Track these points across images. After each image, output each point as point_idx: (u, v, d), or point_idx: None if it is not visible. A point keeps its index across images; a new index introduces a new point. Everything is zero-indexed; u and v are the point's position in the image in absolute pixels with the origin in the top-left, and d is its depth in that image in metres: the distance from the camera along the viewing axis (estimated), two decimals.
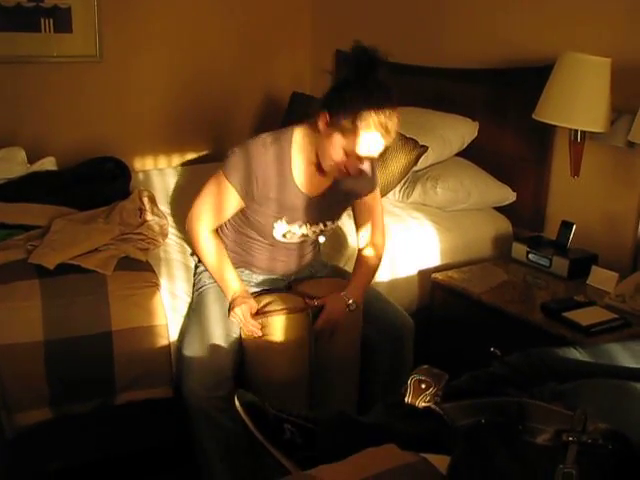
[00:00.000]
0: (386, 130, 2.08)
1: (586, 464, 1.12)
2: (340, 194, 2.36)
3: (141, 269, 2.43)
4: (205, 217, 2.32)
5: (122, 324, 2.30)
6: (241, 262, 2.40)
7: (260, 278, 2.43)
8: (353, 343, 2.38)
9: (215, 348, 2.20)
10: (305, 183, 2.28)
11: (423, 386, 1.26)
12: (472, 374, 1.58)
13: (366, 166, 2.29)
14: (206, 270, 2.40)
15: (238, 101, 4.31)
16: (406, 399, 1.26)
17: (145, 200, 2.79)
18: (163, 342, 2.34)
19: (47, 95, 3.76)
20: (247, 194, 2.24)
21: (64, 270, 2.33)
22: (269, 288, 2.41)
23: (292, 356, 2.26)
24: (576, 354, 1.73)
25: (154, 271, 2.45)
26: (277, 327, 2.23)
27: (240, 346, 2.27)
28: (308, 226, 2.34)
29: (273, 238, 2.33)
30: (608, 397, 1.44)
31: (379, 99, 2.08)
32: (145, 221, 2.66)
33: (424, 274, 2.95)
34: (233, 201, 2.27)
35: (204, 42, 4.12)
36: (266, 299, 2.31)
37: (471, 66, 3.42)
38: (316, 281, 2.47)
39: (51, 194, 2.90)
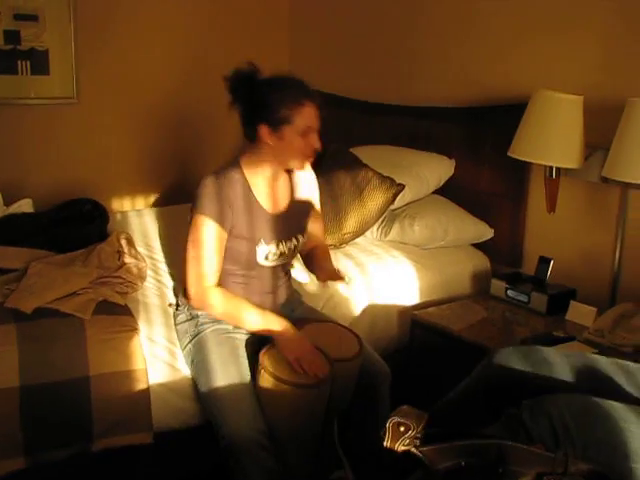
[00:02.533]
0: (309, 91, 2.29)
1: None
2: (300, 206, 2.49)
3: (120, 313, 2.41)
4: (203, 273, 2.27)
5: (100, 369, 2.26)
6: None
7: None
8: (349, 390, 2.35)
9: (241, 388, 2.20)
10: (268, 203, 2.38)
11: (402, 429, 1.24)
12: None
13: (309, 176, 2.51)
14: (195, 317, 2.38)
15: (215, 141, 4.32)
16: (385, 443, 1.24)
17: (123, 242, 2.77)
18: (142, 387, 2.30)
19: (24, 137, 3.76)
20: (225, 223, 2.28)
21: (41, 314, 2.31)
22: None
23: (308, 417, 2.22)
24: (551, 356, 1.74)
25: (133, 315, 2.42)
26: (296, 397, 2.17)
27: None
28: (283, 243, 2.40)
29: (257, 263, 2.35)
30: (572, 413, 1.45)
31: (283, 78, 2.32)
32: (124, 264, 2.64)
33: (403, 312, 2.95)
34: (216, 235, 2.27)
35: (181, 82, 4.14)
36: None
37: (446, 104, 3.45)
38: (316, 327, 2.41)
39: (28, 236, 2.87)
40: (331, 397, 2.24)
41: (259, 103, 2.28)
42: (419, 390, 2.73)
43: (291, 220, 2.43)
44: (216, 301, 2.28)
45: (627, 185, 2.66)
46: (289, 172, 2.45)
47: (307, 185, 2.53)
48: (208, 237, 2.27)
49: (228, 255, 2.33)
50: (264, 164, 2.35)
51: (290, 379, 2.14)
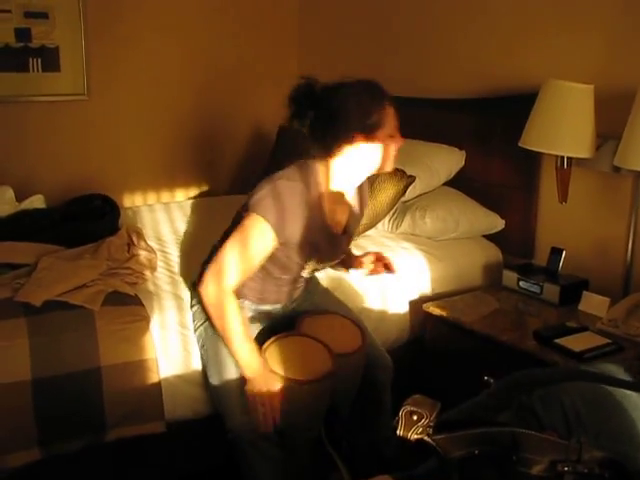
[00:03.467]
0: (387, 91, 2.21)
1: None
2: (352, 225, 2.39)
3: (129, 303, 2.42)
4: (232, 272, 2.13)
5: (111, 359, 2.27)
6: None
7: (250, 307, 2.38)
8: (354, 384, 2.36)
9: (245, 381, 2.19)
10: (333, 221, 2.28)
11: (415, 417, 1.23)
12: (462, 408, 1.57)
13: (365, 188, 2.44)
14: None
15: (226, 135, 4.33)
16: (397, 432, 1.24)
17: (133, 236, 2.78)
18: (153, 376, 2.31)
19: (36, 133, 3.77)
20: (282, 233, 2.12)
21: (51, 307, 2.31)
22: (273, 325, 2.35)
23: (310, 412, 2.22)
24: None
25: (143, 305, 2.43)
26: (296, 392, 2.16)
27: None
28: (327, 263, 2.38)
29: (298, 274, 2.31)
30: (584, 401, 1.45)
31: (360, 82, 2.18)
32: (133, 255, 2.65)
33: (415, 304, 2.94)
34: (267, 242, 2.12)
35: (191, 78, 4.14)
36: (289, 351, 2.21)
37: (457, 96, 3.44)
38: (318, 320, 2.37)
39: (40, 232, 2.89)
40: (335, 392, 2.23)
41: (342, 113, 2.13)
42: (431, 381, 2.74)
43: (345, 239, 2.37)
44: (229, 307, 2.13)
45: (639, 174, 2.65)
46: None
47: (364, 199, 2.46)
48: (258, 241, 2.12)
49: (275, 260, 2.22)
50: (343, 179, 2.22)
51: (289, 375, 2.13)
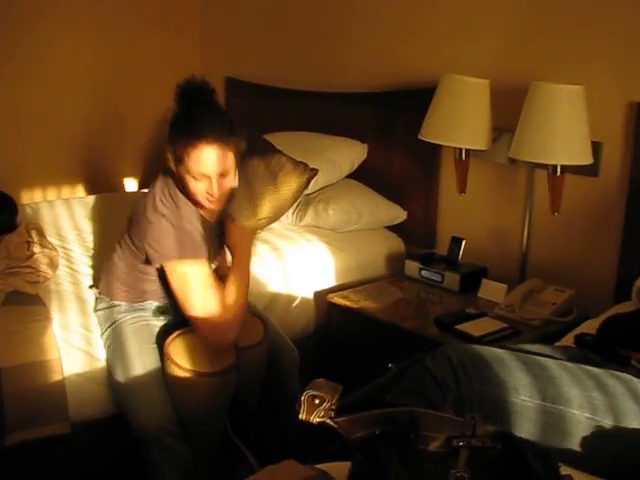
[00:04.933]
0: (211, 140, 2.07)
1: (477, 467, 1.15)
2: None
3: (31, 303, 2.36)
4: (212, 305, 2.17)
5: (12, 361, 2.21)
6: (135, 295, 2.36)
7: (154, 304, 2.39)
8: (257, 376, 2.37)
9: (150, 377, 2.19)
10: (207, 214, 2.29)
11: (317, 401, 1.26)
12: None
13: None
14: (114, 306, 2.34)
15: (128, 131, 4.25)
16: (300, 416, 1.26)
17: (33, 233, 2.71)
18: (57, 377, 2.26)
19: None
20: (199, 252, 2.18)
21: None
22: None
23: (214, 405, 2.23)
24: None
25: (45, 304, 2.37)
26: (200, 385, 2.17)
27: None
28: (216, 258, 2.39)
29: None
30: (468, 355, 1.62)
31: (194, 116, 2.11)
32: (33, 254, 2.58)
33: (320, 295, 2.97)
34: (203, 267, 2.17)
35: (92, 72, 4.05)
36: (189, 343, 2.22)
37: (360, 90, 3.49)
38: None
39: None
40: (239, 384, 2.25)
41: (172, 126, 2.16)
42: (338, 370, 2.77)
43: (219, 230, 2.37)
44: (232, 313, 2.20)
45: (532, 165, 2.76)
46: None
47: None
48: (198, 275, 2.16)
49: None
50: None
51: (193, 368, 2.14)
